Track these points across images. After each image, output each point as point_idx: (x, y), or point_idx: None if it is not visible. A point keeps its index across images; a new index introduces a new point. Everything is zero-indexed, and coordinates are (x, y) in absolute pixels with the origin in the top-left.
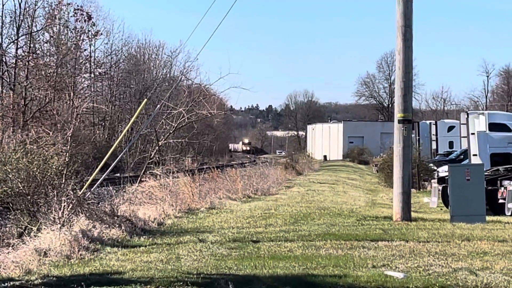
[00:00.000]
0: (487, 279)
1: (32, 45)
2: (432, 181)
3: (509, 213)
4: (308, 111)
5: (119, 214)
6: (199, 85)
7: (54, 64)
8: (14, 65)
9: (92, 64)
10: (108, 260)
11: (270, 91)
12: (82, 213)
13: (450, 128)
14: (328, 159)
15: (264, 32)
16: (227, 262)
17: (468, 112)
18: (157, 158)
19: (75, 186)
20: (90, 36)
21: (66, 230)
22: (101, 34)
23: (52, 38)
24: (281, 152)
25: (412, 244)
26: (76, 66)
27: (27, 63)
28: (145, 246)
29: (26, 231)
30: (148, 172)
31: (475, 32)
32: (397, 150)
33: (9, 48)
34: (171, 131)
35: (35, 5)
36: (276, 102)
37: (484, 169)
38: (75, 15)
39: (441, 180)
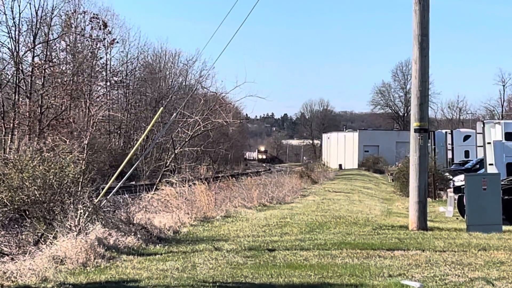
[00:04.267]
0: None
1: (48, 53)
2: (448, 190)
3: None
4: (324, 120)
5: (135, 222)
6: (215, 94)
7: (70, 72)
8: (30, 73)
9: (108, 72)
10: (124, 268)
11: (285, 100)
12: (98, 221)
13: (466, 138)
14: (343, 168)
15: (279, 41)
16: (243, 271)
17: (484, 121)
18: (173, 166)
19: (91, 194)
20: (106, 44)
21: (82, 238)
22: (117, 42)
23: (68, 46)
24: (309, 160)
25: (428, 254)
26: (92, 74)
27: (43, 71)
28: (161, 254)
29: (42, 239)
30: (163, 180)
31: (491, 41)
32: (413, 159)
33: (25, 56)
34: (186, 140)
35: (52, 13)
36: (291, 110)
37: (501, 179)
38: (91, 23)
39: (457, 190)
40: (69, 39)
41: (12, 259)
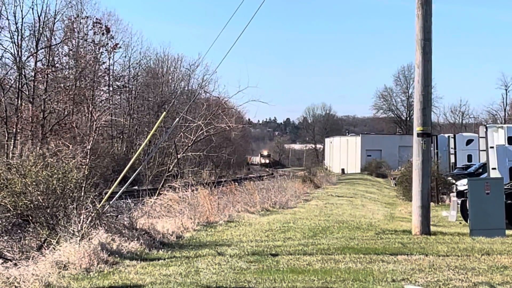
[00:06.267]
0: None
1: (51, 58)
2: (451, 194)
3: None
4: (326, 124)
5: (138, 227)
6: (217, 98)
7: (73, 77)
8: (33, 78)
9: (111, 77)
10: (127, 273)
11: (288, 104)
12: (101, 226)
13: (469, 142)
14: (346, 172)
15: (282, 45)
16: (246, 276)
17: (487, 125)
18: (176, 171)
19: (94, 199)
20: (108, 49)
21: (85, 243)
22: (120, 47)
23: (71, 51)
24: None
25: (431, 258)
26: (95, 79)
27: (46, 76)
28: (164, 259)
29: (45, 244)
30: (166, 185)
31: (494, 46)
32: (416, 164)
33: (28, 61)
34: (189, 144)
35: (54, 18)
36: (294, 115)
37: (504, 183)
38: (94, 28)
39: (460, 194)
40: (72, 44)
41: (15, 264)
